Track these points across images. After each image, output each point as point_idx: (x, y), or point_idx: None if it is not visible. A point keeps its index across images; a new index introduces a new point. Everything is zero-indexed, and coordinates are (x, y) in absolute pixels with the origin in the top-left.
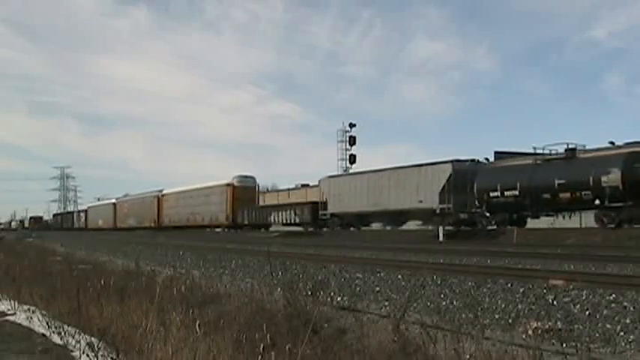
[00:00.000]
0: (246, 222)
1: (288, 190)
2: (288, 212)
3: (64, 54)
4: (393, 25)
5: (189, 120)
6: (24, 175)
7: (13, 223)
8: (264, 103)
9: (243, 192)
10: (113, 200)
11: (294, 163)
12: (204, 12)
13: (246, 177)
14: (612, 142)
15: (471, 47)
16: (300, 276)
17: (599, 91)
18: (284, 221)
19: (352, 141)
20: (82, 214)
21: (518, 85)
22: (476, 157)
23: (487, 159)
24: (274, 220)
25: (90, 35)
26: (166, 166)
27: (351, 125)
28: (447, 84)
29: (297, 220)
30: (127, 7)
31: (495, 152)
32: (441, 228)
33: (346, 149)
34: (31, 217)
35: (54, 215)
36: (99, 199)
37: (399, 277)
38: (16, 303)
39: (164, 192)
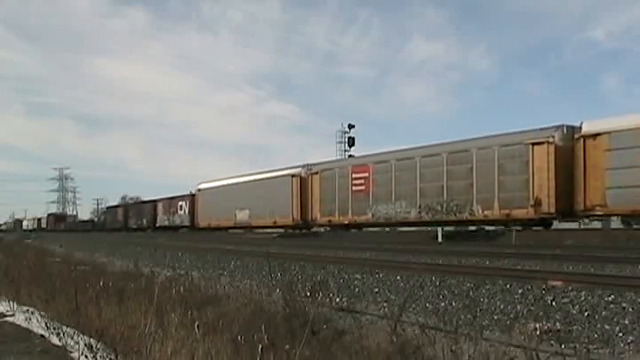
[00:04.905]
0: None
1: None
2: None
3: (62, 55)
4: (390, 25)
5: (188, 121)
6: (22, 176)
7: (26, 222)
8: (262, 104)
9: None
10: (295, 169)
11: (293, 164)
12: (201, 12)
13: None
14: None
15: (470, 48)
16: (299, 277)
17: (598, 91)
18: None
19: (351, 142)
20: (183, 204)
21: (517, 86)
22: None
23: None
24: None
25: (87, 36)
26: (165, 166)
27: (350, 126)
28: (445, 84)
29: None
30: (123, 7)
31: None
32: (439, 229)
33: (345, 150)
34: (49, 215)
35: (108, 208)
36: (97, 201)
37: (398, 277)
38: (15, 304)
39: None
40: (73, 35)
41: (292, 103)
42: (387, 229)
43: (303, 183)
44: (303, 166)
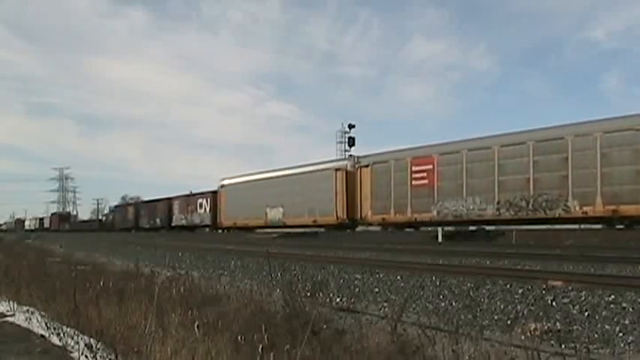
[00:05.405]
0: None
1: None
2: None
3: (62, 55)
4: (390, 25)
5: (188, 121)
6: (22, 176)
7: (28, 222)
8: (263, 104)
9: None
10: (340, 162)
11: (293, 165)
12: (201, 12)
13: None
14: None
15: (470, 48)
16: (299, 277)
17: (598, 91)
18: None
19: (351, 142)
20: (204, 202)
21: (517, 86)
22: None
23: None
24: None
25: (87, 36)
26: (165, 166)
27: (350, 126)
28: (445, 84)
29: None
30: (123, 7)
31: None
32: (439, 229)
33: (345, 150)
34: (53, 214)
35: (116, 207)
36: (97, 201)
37: (398, 277)
38: (15, 304)
39: None
40: (73, 35)
41: (292, 103)
42: (390, 228)
43: (349, 177)
44: (348, 159)
